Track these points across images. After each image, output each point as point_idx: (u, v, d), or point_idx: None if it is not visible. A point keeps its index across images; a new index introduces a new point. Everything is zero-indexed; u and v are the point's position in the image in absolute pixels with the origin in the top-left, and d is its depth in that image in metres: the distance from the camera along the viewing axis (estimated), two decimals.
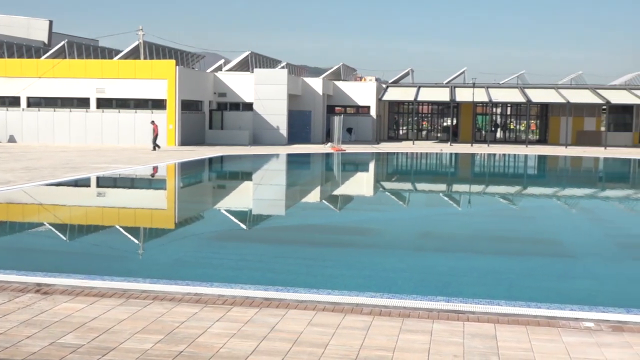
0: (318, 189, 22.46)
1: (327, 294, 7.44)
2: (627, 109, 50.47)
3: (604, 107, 47.96)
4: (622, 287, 8.79)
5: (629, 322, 6.52)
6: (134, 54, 41.86)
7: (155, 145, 33.57)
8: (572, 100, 46.75)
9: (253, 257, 10.35)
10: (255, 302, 6.93)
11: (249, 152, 34.49)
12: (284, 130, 41.82)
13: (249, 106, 42.42)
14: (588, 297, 8.12)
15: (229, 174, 27.25)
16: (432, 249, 11.41)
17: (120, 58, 41.55)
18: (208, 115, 42.35)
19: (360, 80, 59.52)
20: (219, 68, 48.37)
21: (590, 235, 13.30)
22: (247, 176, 26.30)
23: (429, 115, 59.01)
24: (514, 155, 40.12)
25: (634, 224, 15.55)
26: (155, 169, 24.92)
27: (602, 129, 50.17)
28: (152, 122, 34.72)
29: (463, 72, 55.75)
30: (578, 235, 13.25)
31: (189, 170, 26.32)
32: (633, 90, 49.64)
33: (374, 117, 49.03)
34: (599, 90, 49.51)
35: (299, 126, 45.05)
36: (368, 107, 49.15)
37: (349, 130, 47.82)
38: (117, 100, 38.30)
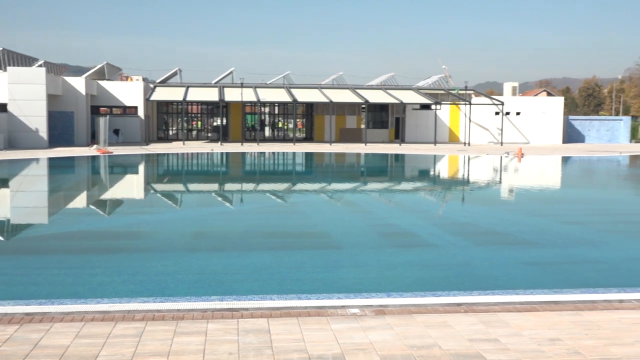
0: (83, 193, 21.37)
1: (96, 303, 7.10)
2: (383, 107, 54.45)
3: (364, 105, 51.22)
4: (382, 273, 9.43)
5: (390, 305, 7.02)
6: None
7: None
8: (335, 99, 49.34)
9: (12, 270, 9.56)
10: (15, 319, 6.40)
11: (4, 157, 31.84)
12: (44, 133, 39.25)
13: (2, 107, 39.19)
14: (353, 284, 8.61)
15: None
16: (206, 249, 11.38)
17: None
18: None
19: (127, 79, 57.71)
20: None
21: (354, 226, 14.11)
22: (2, 183, 24.26)
23: (199, 115, 58.88)
24: (283, 152, 41.39)
25: (391, 214, 16.78)
26: None
27: (363, 126, 53.57)
28: None
29: (231, 72, 56.38)
30: (343, 227, 13.99)
31: None
32: (388, 90, 53.65)
33: (142, 117, 47.81)
34: (358, 90, 52.80)
35: (61, 128, 42.62)
36: (135, 108, 47.81)
37: (116, 132, 46.17)
38: None
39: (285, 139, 55.75)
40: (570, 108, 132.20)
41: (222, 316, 6.53)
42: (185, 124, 53.49)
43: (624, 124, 61.89)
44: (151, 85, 51.29)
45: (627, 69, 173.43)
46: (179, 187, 23.82)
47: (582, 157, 40.65)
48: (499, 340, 5.84)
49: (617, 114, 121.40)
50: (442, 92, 56.44)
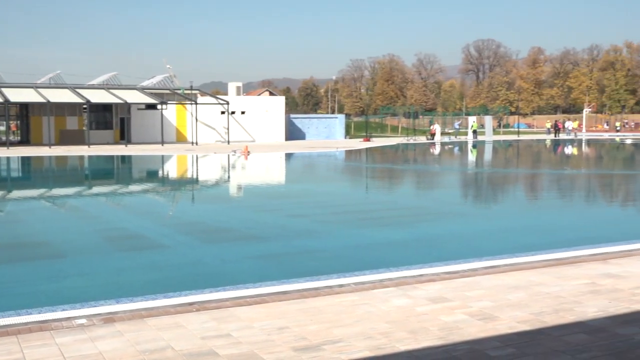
0: None
1: None
2: (107, 107, 52.56)
3: (85, 106, 48.96)
4: (111, 279, 9.09)
5: (119, 311, 6.78)
6: None
7: None
8: (53, 99, 46.53)
9: None
10: None
11: None
12: None
13: None
14: (80, 294, 8.15)
15: None
16: None
17: None
18: None
19: None
20: None
21: (79, 232, 13.42)
22: None
23: None
24: None
25: (119, 217, 16.26)
26: None
27: (85, 127, 51.17)
28: None
29: None
30: (67, 233, 13.24)
31: None
32: (111, 90, 51.92)
33: None
34: (79, 90, 50.35)
35: None
36: None
37: None
38: None
39: None
40: (292, 107, 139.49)
41: None
42: None
43: (339, 121, 66.92)
44: None
45: (340, 70, 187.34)
46: None
47: (303, 153, 43.09)
48: (231, 335, 5.94)
49: (333, 112, 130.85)
50: (167, 91, 56.04)
